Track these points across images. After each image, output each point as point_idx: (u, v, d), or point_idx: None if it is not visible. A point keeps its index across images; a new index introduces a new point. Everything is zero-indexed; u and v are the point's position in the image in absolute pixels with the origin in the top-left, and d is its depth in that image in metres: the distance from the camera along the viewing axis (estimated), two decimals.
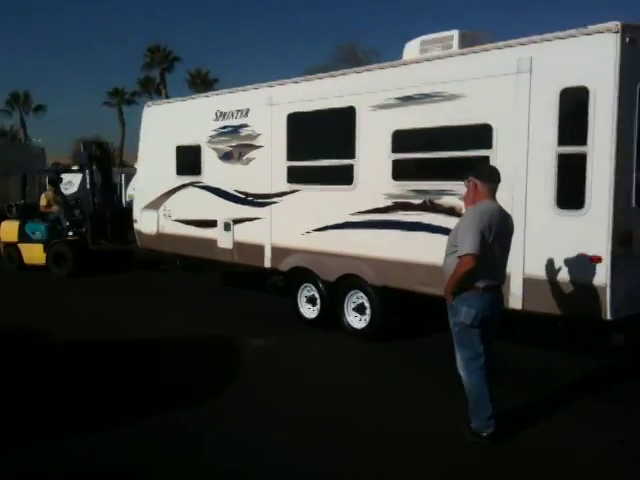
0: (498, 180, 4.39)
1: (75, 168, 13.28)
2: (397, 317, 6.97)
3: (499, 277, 4.38)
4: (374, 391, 5.40)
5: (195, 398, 5.15)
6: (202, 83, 49.52)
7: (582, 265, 5.07)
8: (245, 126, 8.08)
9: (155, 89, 51.27)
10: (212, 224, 8.61)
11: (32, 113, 53.33)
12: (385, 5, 75.49)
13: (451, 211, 5.90)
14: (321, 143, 7.23)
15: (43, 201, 12.97)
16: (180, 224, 9.20)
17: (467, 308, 4.23)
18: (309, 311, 7.56)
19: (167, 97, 38.98)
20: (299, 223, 7.42)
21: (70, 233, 12.32)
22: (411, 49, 6.97)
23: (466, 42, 6.38)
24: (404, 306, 6.80)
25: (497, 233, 4.19)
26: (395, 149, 6.42)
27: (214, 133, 8.52)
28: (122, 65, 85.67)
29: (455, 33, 6.54)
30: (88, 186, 12.42)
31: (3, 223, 13.17)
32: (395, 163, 6.43)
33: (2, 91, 62.73)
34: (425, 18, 64.13)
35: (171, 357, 6.36)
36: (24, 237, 12.53)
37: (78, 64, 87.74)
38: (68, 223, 12.41)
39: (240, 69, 71.11)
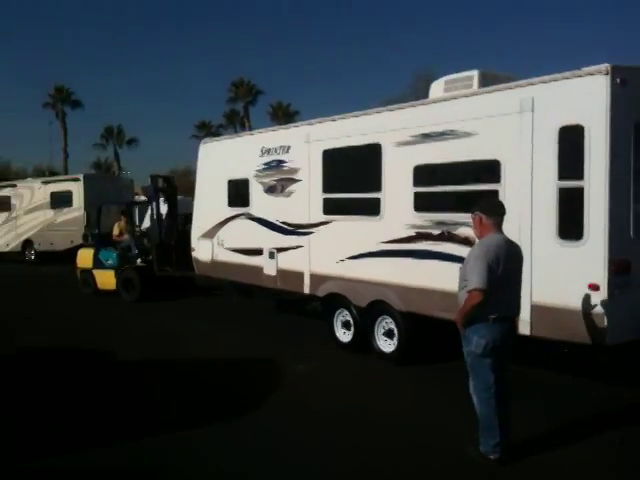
0: (502, 213, 4.66)
1: (143, 199, 14.34)
2: (424, 341, 7.32)
3: (512, 307, 4.59)
4: (398, 412, 5.81)
5: (238, 411, 5.71)
6: (284, 115, 50.95)
7: (582, 293, 5.35)
8: (286, 161, 8.74)
9: (239, 122, 53.33)
10: (259, 252, 9.27)
11: (125, 146, 56.11)
12: (460, 35, 75.76)
13: (466, 241, 6.27)
14: (352, 177, 7.78)
15: (116, 230, 14.12)
16: (231, 252, 9.93)
17: (478, 338, 4.45)
18: (344, 335, 8.04)
19: (250, 129, 40.50)
20: (334, 251, 7.96)
21: (139, 260, 13.32)
22: (436, 88, 7.45)
23: (485, 82, 6.78)
24: (430, 331, 7.17)
25: (506, 264, 4.41)
26: (416, 183, 6.88)
27: (260, 168, 9.23)
28: (209, 99, 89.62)
29: (475, 73, 6.97)
30: (155, 217, 13.40)
31: (80, 251, 14.41)
32: (416, 195, 6.89)
33: (98, 126, 67.21)
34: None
35: (223, 377, 6.99)
36: (98, 264, 13.64)
37: (169, 99, 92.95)
38: (137, 251, 13.43)
39: (320, 101, 73.00)
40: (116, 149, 56.04)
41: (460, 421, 5.23)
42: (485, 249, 4.45)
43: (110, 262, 13.51)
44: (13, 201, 23.01)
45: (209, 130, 53.80)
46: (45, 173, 44.98)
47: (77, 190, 20.33)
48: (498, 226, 4.59)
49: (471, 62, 65.38)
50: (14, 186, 23.84)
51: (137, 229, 14.39)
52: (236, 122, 54.01)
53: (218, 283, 11.58)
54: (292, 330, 9.34)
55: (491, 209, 4.65)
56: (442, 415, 5.63)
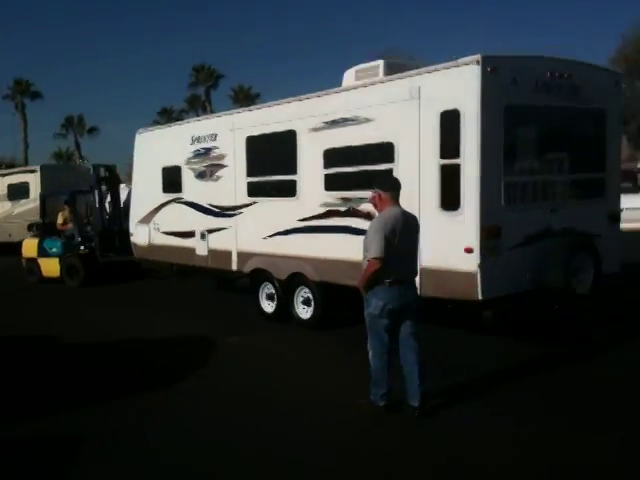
0: (397, 188, 5.13)
1: (86, 189, 14.67)
2: (337, 308, 8.04)
3: (408, 272, 5.02)
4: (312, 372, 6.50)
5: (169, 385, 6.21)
6: (245, 98, 50.75)
7: (460, 256, 6.13)
8: (214, 148, 9.35)
9: (201, 106, 53.16)
10: (191, 234, 9.86)
11: (86, 135, 55.44)
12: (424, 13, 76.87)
13: (368, 216, 6.96)
14: (272, 161, 8.45)
15: (60, 219, 14.47)
16: (166, 235, 10.49)
17: (376, 300, 4.91)
18: (269, 306, 8.71)
19: (213, 113, 40.46)
20: (258, 230, 8.62)
21: (82, 247, 13.71)
22: (348, 76, 8.15)
23: (391, 71, 7.47)
24: (342, 298, 7.89)
25: (402, 234, 4.86)
26: (326, 165, 7.59)
27: (191, 155, 9.81)
28: (170, 85, 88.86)
29: (381, 63, 7.68)
30: (97, 205, 13.81)
31: (25, 240, 14.72)
32: (326, 177, 7.60)
33: (59, 116, 66.26)
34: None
35: (157, 352, 7.55)
36: (42, 252, 13.99)
37: (130, 87, 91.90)
38: (80, 239, 13.82)
39: (282, 83, 72.84)
40: (77, 138, 55.44)
41: (364, 377, 5.91)
42: (383, 221, 4.90)
43: (54, 250, 13.86)
44: None
45: (171, 116, 53.37)
46: (1, 165, 44.28)
47: (34, 181, 20.35)
48: (395, 200, 5.01)
49: (438, 43, 66.65)
50: None
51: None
52: (198, 107, 53.69)
53: (161, 267, 12.05)
54: (226, 306, 9.96)
55: (387, 185, 5.12)
56: (349, 374, 6.22)
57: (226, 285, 11.44)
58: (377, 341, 5.06)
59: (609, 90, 7.19)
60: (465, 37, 64.02)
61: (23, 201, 20.55)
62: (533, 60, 6.45)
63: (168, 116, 52.82)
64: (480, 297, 6.05)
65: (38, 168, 21.31)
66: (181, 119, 53.15)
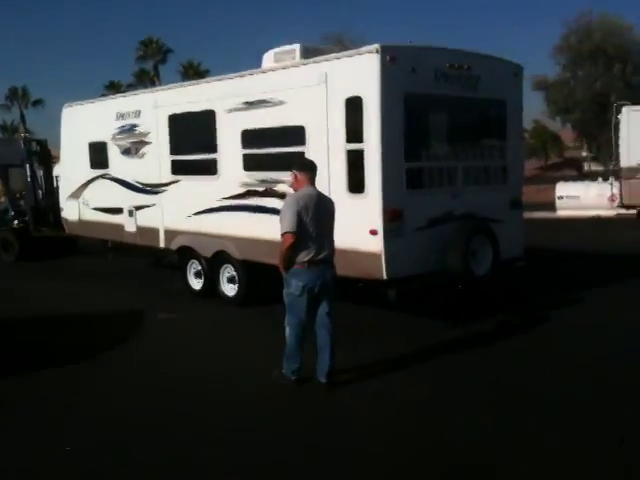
0: (313, 169, 5.27)
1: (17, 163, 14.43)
2: (260, 285, 8.30)
3: (323, 252, 5.14)
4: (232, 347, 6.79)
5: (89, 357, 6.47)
6: (195, 74, 49.52)
7: (366, 237, 6.44)
8: (138, 125, 9.37)
9: (150, 80, 51.85)
10: (119, 211, 9.94)
11: (31, 108, 53.75)
12: None
13: (284, 196, 7.18)
14: (194, 140, 8.55)
15: None
16: (95, 211, 10.54)
17: (296, 282, 5.09)
18: (196, 283, 8.92)
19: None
20: (182, 208, 8.76)
21: (15, 222, 13.61)
22: (267, 58, 8.24)
23: (307, 55, 7.59)
24: (264, 276, 8.14)
25: (315, 214, 5.02)
26: (244, 145, 7.75)
27: (116, 131, 9.81)
28: (119, 58, 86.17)
29: (297, 47, 7.79)
30: (29, 179, 13.65)
31: None
32: (245, 157, 7.77)
33: (2, 87, 64.00)
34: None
35: (84, 326, 7.73)
36: None
37: (77, 59, 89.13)
38: (13, 213, 13.69)
39: (232, 58, 71.70)
40: (22, 111, 53.69)
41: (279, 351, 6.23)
42: (295, 199, 5.08)
43: None
44: None
45: (119, 90, 51.96)
46: None
47: None
48: (311, 181, 5.21)
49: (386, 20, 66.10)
50: None
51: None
52: (146, 81, 52.42)
53: (97, 242, 12.07)
54: (159, 282, 10.10)
55: (303, 166, 5.34)
56: (267, 347, 6.54)
57: (162, 262, 11.56)
58: (295, 319, 5.25)
59: (509, 81, 7.50)
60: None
61: None
62: (433, 51, 6.70)
63: (116, 90, 51.39)
64: (385, 277, 6.39)
65: None
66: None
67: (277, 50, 8.09)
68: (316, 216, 5.06)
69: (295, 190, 5.30)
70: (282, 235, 5.02)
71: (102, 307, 8.61)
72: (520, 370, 5.68)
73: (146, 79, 52.59)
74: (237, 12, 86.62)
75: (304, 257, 5.06)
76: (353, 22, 76.04)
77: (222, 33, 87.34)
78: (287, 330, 5.37)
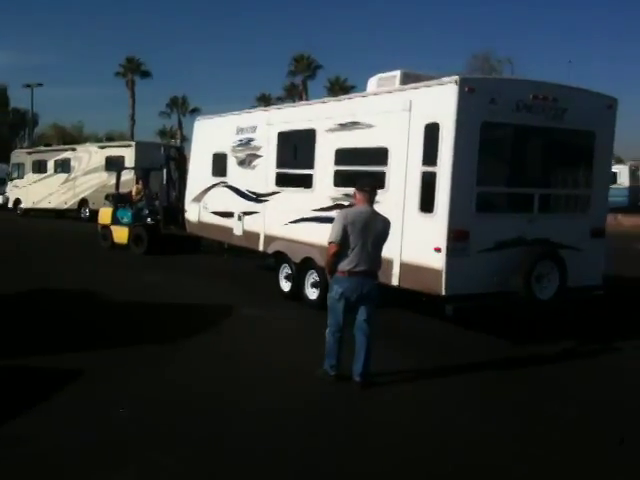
0: (371, 191, 5.68)
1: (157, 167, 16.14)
2: None
3: (365, 265, 5.55)
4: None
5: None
6: (340, 89, 51.87)
7: (431, 254, 6.84)
8: (253, 140, 10.39)
9: (298, 95, 54.86)
10: (231, 215, 10.99)
11: (188, 115, 58.29)
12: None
13: None
14: (296, 155, 9.39)
15: (133, 192, 16.11)
16: (212, 214, 11.68)
17: (337, 287, 5.63)
18: (286, 285, 9.69)
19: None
20: (280, 217, 9.59)
21: (148, 219, 15.24)
22: (371, 83, 8.92)
23: (407, 80, 8.18)
24: None
25: (361, 230, 5.48)
26: (336, 162, 8.44)
27: (235, 144, 10.90)
28: (270, 72, 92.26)
29: (398, 73, 8.38)
30: (165, 182, 15.24)
31: (101, 209, 16.49)
32: (335, 173, 8.45)
33: (164, 95, 71.19)
34: None
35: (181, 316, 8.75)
36: (115, 221, 15.66)
37: (232, 71, 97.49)
38: (147, 211, 15.35)
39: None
40: (180, 118, 58.59)
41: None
42: (344, 213, 5.68)
43: (125, 220, 15.50)
44: (72, 163, 25.36)
45: (269, 102, 54.87)
46: (102, 139, 47.64)
47: (129, 155, 22.36)
48: (367, 200, 5.65)
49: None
50: (74, 149, 26.24)
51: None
52: (295, 95, 55.40)
53: (215, 243, 13.24)
54: (259, 283, 10.97)
55: (362, 187, 5.75)
56: None
57: (265, 264, 12.46)
58: (333, 321, 5.78)
59: (600, 113, 7.57)
60: None
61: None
62: (515, 82, 7.04)
63: (266, 102, 54.40)
64: (444, 292, 6.74)
65: (133, 144, 23.36)
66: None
67: (381, 75, 8.73)
68: (362, 232, 5.51)
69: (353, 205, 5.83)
70: (328, 243, 5.57)
71: (201, 299, 9.58)
72: (554, 397, 5.79)
73: (295, 93, 55.43)
74: (383, 28, 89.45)
75: (345, 266, 5.55)
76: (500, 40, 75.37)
77: (369, 51, 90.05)
78: (327, 330, 5.86)
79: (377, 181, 6.37)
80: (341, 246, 5.52)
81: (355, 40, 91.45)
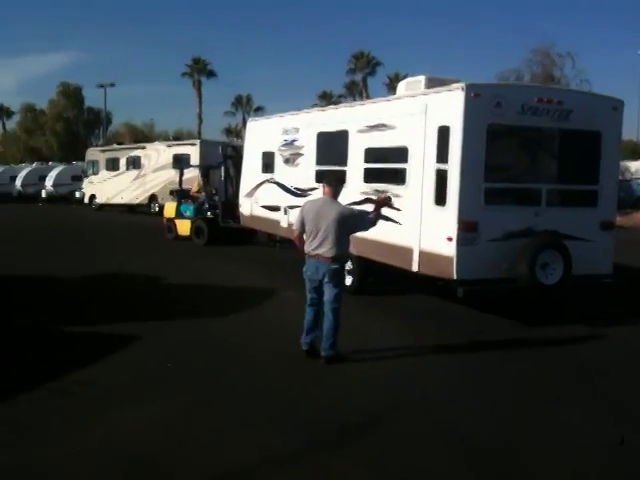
0: (335, 185, 6.45)
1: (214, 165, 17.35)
2: (371, 277, 9.80)
3: (319, 249, 6.19)
4: None
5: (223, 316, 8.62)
6: None
7: (444, 243, 7.65)
8: (296, 140, 11.38)
9: (359, 92, 55.70)
10: (278, 209, 12.04)
11: (253, 114, 60.27)
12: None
13: (390, 205, 8.63)
14: (333, 154, 10.30)
15: (195, 188, 17.46)
16: (262, 208, 12.77)
17: (305, 266, 6.43)
18: None
19: (368, 98, 42.69)
20: None
21: (209, 213, 16.52)
22: (400, 87, 9.78)
23: (432, 84, 8.94)
24: (375, 270, 9.64)
25: (313, 217, 6.22)
26: (365, 160, 9.32)
27: (281, 143, 11.93)
28: (332, 70, 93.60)
29: (423, 78, 9.17)
30: (223, 178, 16.47)
31: (166, 204, 17.93)
32: (365, 170, 9.33)
33: (229, 95, 73.86)
34: None
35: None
36: (179, 214, 17.04)
37: (294, 70, 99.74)
38: (207, 206, 16.63)
39: (438, 71, 74.18)
40: (244, 116, 60.34)
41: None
42: (304, 204, 6.58)
43: (188, 213, 16.85)
44: (142, 161, 27.20)
45: (330, 100, 55.60)
46: (170, 137, 49.92)
47: (194, 153, 23.88)
48: (332, 192, 6.39)
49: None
50: (144, 148, 28.07)
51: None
52: (355, 92, 56.22)
53: (268, 235, 14.35)
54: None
55: (327, 181, 6.58)
56: (355, 327, 8.04)
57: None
58: (307, 296, 6.53)
59: (606, 114, 8.15)
60: None
61: (185, 170, 23.97)
62: (519, 87, 7.74)
63: (327, 100, 55.27)
64: (455, 277, 7.54)
65: (198, 142, 24.85)
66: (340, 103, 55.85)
67: (409, 80, 9.58)
68: (315, 219, 6.23)
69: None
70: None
71: (248, 283, 10.74)
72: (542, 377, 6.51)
73: (355, 90, 56.14)
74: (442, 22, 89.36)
75: (307, 249, 6.34)
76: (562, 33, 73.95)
77: (430, 44, 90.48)
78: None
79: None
80: (301, 232, 6.40)
81: (415, 36, 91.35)
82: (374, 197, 9.00)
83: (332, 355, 6.38)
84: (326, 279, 6.30)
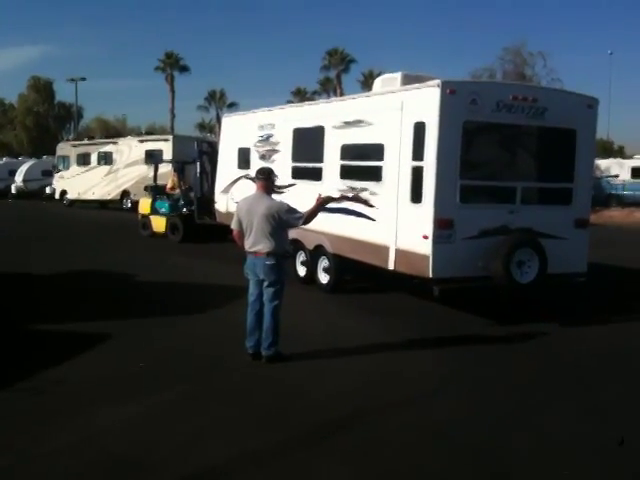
0: (263, 179, 6.32)
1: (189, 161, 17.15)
2: (347, 275, 9.77)
3: (255, 246, 6.12)
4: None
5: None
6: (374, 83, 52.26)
7: (420, 241, 7.63)
8: (272, 135, 11.28)
9: (332, 89, 55.64)
10: None
11: (226, 109, 59.81)
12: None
13: (367, 203, 8.61)
14: (309, 150, 10.23)
15: (169, 184, 17.25)
16: None
17: (245, 264, 6.33)
18: (302, 271, 10.59)
19: (342, 95, 42.55)
20: (297, 207, 10.42)
21: (184, 210, 16.33)
22: (377, 83, 9.74)
23: (408, 81, 8.90)
24: (352, 268, 9.61)
25: (245, 214, 6.16)
26: (341, 157, 9.27)
27: (257, 140, 11.81)
28: (305, 67, 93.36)
29: (399, 75, 9.13)
30: (198, 174, 16.28)
31: (141, 199, 17.69)
32: (341, 167, 9.28)
33: (202, 90, 73.08)
34: None
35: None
36: (154, 211, 16.83)
37: (267, 66, 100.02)
38: (183, 202, 16.44)
39: (412, 69, 74.36)
40: (218, 112, 59.67)
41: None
42: (239, 202, 6.51)
43: (163, 210, 16.65)
44: (114, 156, 26.79)
45: (304, 96, 55.59)
46: (142, 132, 49.21)
47: (167, 149, 23.56)
48: (262, 187, 6.32)
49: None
50: (116, 143, 27.65)
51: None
52: (329, 89, 56.23)
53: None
54: None
55: (256, 175, 6.47)
56: (330, 324, 8.07)
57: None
58: (248, 298, 6.38)
59: (581, 112, 8.19)
60: None
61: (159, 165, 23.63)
62: (495, 85, 7.74)
63: (301, 96, 55.27)
64: (431, 275, 7.53)
65: (170, 137, 24.56)
66: (314, 100, 55.86)
67: (385, 76, 9.54)
68: (247, 216, 6.17)
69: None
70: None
71: (222, 281, 10.60)
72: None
73: (329, 87, 56.12)
74: (415, 20, 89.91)
75: (245, 246, 6.26)
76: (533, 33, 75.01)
77: (403, 44, 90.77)
78: None
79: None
80: (238, 230, 6.29)
81: (389, 33, 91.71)
82: (350, 194, 9.00)
83: (272, 355, 6.26)
84: (262, 276, 6.20)
